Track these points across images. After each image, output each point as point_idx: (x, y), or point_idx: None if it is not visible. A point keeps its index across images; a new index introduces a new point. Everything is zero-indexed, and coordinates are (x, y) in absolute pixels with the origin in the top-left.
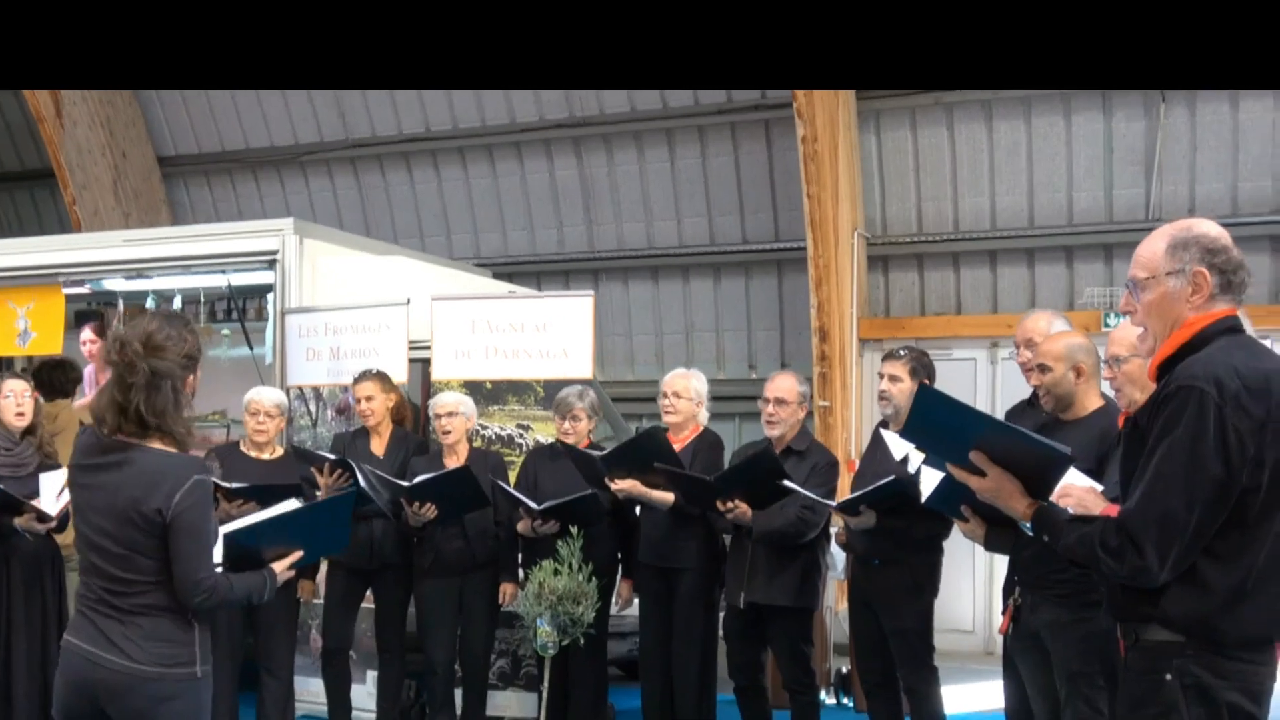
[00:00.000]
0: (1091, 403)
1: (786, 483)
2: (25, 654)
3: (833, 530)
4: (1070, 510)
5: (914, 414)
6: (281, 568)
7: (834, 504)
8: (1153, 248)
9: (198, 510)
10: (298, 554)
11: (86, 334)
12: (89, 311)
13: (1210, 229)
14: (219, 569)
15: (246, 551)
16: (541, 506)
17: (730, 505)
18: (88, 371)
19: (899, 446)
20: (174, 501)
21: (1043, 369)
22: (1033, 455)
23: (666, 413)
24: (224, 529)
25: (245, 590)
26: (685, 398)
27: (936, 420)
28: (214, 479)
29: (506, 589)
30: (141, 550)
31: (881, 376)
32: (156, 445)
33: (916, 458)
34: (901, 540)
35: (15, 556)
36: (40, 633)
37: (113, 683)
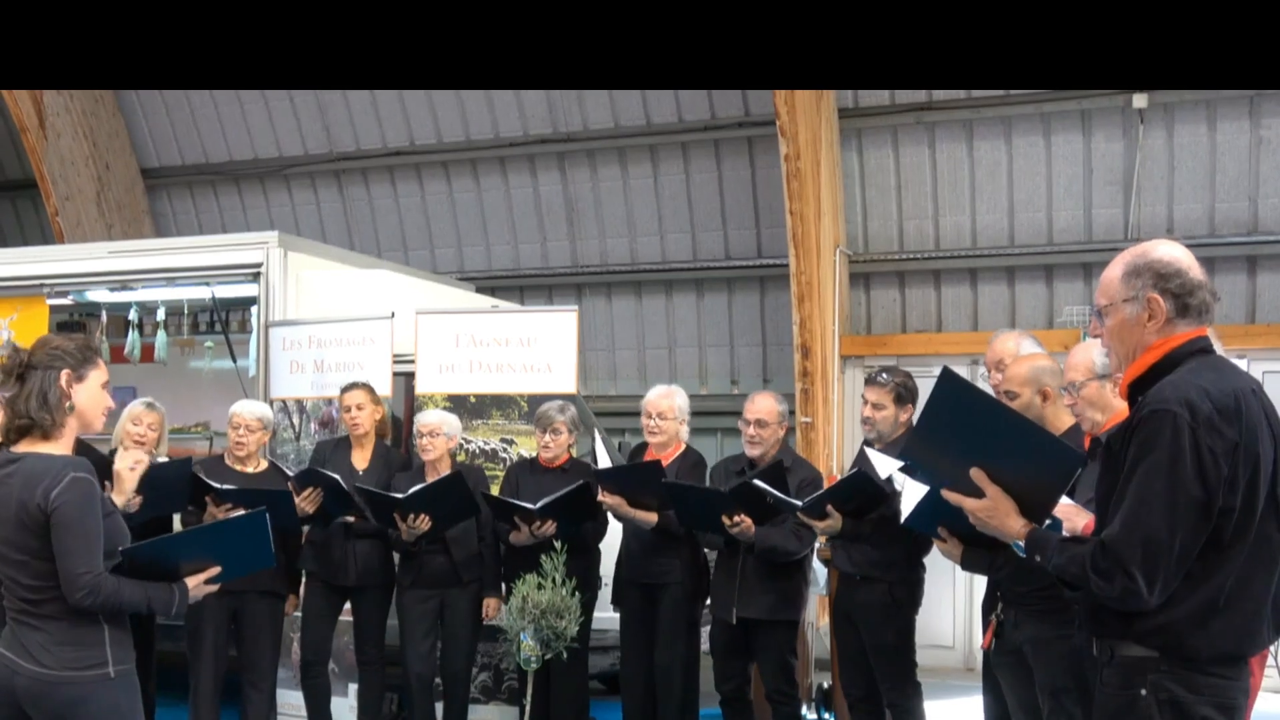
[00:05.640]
0: (1063, 423)
1: (756, 481)
2: None
3: (816, 545)
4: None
5: (934, 401)
6: (195, 583)
7: (800, 504)
8: (1111, 274)
9: (75, 506)
10: (214, 570)
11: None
12: (71, 323)
13: (1166, 253)
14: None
15: (159, 567)
16: (539, 505)
17: (736, 520)
18: None
19: (884, 466)
20: (51, 497)
21: (1009, 395)
22: (1040, 460)
23: (651, 433)
24: (123, 547)
25: (141, 596)
26: (670, 418)
27: (954, 411)
28: (206, 479)
29: (490, 603)
30: (34, 553)
31: (865, 402)
32: (43, 449)
33: (901, 479)
34: (883, 558)
35: None
36: None
37: (29, 689)
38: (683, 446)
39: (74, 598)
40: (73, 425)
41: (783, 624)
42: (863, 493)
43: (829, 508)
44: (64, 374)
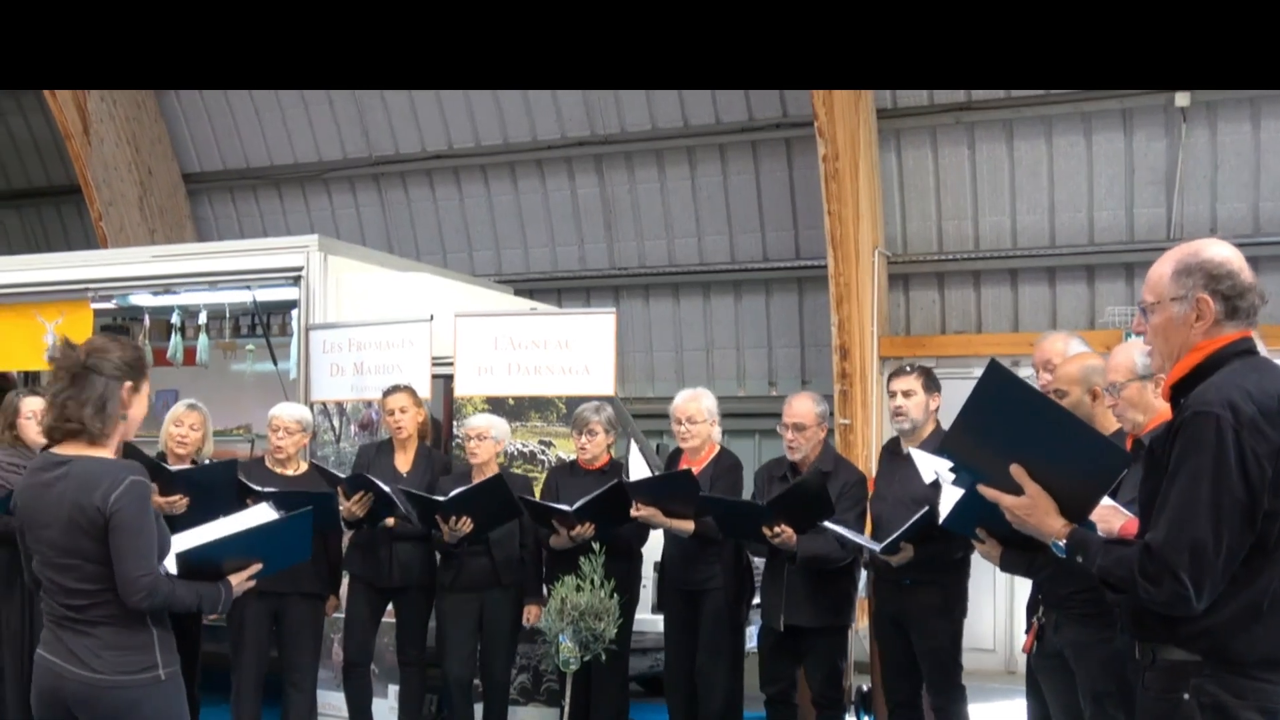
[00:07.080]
0: (1112, 424)
1: (829, 524)
2: (13, 662)
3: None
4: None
5: (978, 393)
6: (239, 580)
7: (878, 549)
8: (1160, 271)
9: (134, 509)
10: (256, 566)
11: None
12: (115, 326)
13: (1217, 253)
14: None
15: (206, 566)
16: (575, 507)
17: (777, 530)
18: None
19: (928, 467)
20: (110, 500)
21: (1059, 393)
22: (1085, 459)
23: (683, 439)
24: (177, 548)
25: (193, 596)
26: (699, 421)
27: (998, 404)
28: (249, 483)
29: (531, 610)
30: (87, 556)
31: (893, 394)
32: (93, 453)
33: (947, 480)
34: (933, 561)
35: None
36: (28, 641)
37: (79, 693)
38: (716, 449)
39: (133, 599)
40: (120, 433)
41: (830, 630)
42: (931, 524)
43: (901, 543)
44: (126, 386)
